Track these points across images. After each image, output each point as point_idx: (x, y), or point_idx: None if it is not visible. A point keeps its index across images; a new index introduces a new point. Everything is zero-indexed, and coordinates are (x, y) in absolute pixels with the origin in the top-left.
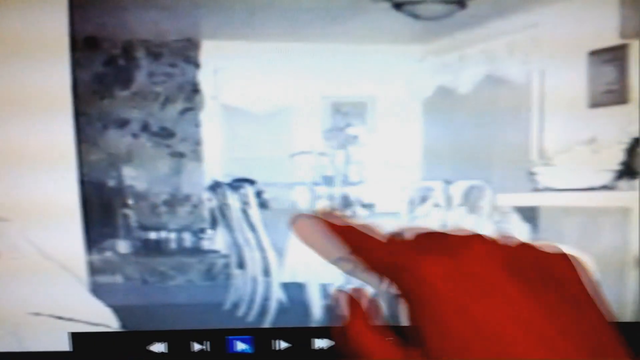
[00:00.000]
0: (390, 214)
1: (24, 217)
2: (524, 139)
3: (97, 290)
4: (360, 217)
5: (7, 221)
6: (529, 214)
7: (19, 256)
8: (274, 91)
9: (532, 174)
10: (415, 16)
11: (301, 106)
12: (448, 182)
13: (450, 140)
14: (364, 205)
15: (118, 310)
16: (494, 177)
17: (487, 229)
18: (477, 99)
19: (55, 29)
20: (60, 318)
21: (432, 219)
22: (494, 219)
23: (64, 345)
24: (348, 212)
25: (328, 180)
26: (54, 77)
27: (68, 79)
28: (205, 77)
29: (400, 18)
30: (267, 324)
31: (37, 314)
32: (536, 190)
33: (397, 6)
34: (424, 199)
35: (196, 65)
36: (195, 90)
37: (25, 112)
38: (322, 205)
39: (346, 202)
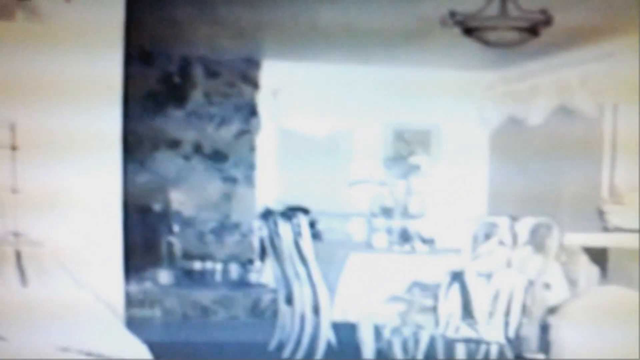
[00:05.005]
0: (451, 250)
1: (59, 242)
2: (594, 176)
3: (134, 325)
4: (419, 253)
5: (41, 246)
6: (599, 256)
7: (50, 285)
8: (334, 115)
9: (602, 212)
10: (486, 43)
11: (362, 132)
12: (514, 219)
13: (517, 173)
14: (424, 240)
15: (155, 348)
16: (562, 215)
17: (554, 271)
18: (547, 131)
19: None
20: (90, 355)
21: (496, 258)
22: (561, 259)
23: None
24: (407, 248)
25: (387, 212)
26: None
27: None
28: (264, 99)
29: (470, 44)
30: None
31: (66, 349)
32: (606, 230)
33: (468, 32)
34: (488, 236)
35: (255, 85)
36: (252, 112)
37: (72, 101)
38: (379, 238)
39: (405, 236)
